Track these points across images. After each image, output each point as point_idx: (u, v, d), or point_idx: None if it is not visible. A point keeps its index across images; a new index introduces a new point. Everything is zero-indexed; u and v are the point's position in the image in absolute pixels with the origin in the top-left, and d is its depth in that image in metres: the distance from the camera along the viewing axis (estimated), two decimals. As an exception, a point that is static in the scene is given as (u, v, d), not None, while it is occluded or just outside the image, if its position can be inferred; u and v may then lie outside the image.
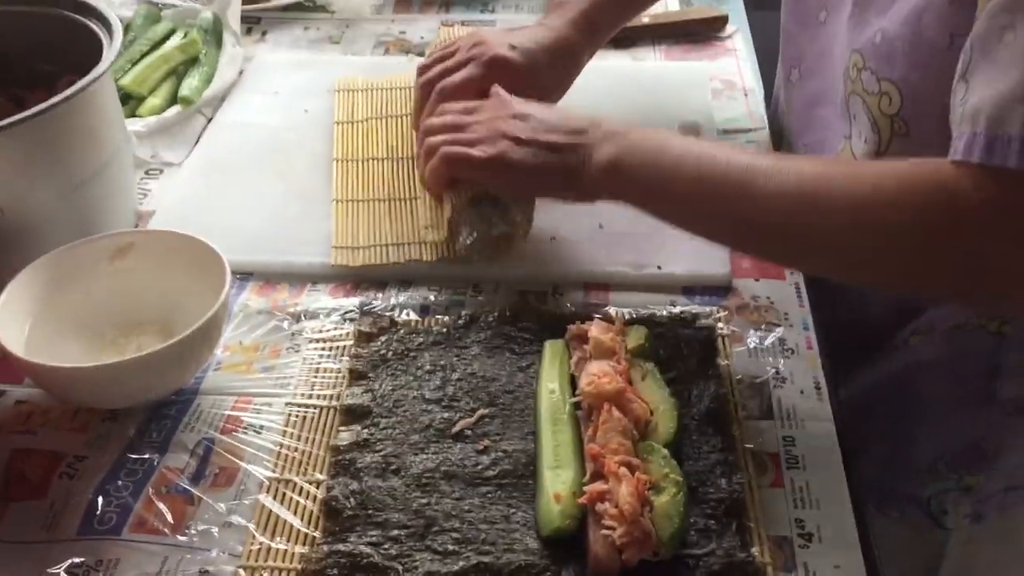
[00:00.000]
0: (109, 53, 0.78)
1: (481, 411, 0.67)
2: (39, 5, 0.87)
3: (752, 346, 0.74)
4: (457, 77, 0.85)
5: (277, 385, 0.71)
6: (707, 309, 0.76)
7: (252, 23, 1.20)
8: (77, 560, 0.59)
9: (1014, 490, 0.82)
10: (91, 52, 0.82)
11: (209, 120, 1.01)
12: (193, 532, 0.61)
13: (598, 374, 0.65)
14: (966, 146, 0.56)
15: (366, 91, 1.01)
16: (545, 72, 0.88)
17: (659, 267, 0.81)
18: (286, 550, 0.60)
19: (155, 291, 0.73)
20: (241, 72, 1.08)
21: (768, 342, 0.74)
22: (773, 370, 0.72)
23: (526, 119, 0.77)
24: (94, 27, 0.82)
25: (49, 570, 0.58)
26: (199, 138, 0.99)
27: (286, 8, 1.23)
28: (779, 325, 0.76)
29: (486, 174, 0.77)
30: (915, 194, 0.59)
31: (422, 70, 0.91)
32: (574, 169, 0.73)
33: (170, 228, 0.77)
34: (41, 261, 0.71)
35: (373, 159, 0.92)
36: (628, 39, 1.15)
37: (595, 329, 0.69)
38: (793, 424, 0.68)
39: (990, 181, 0.56)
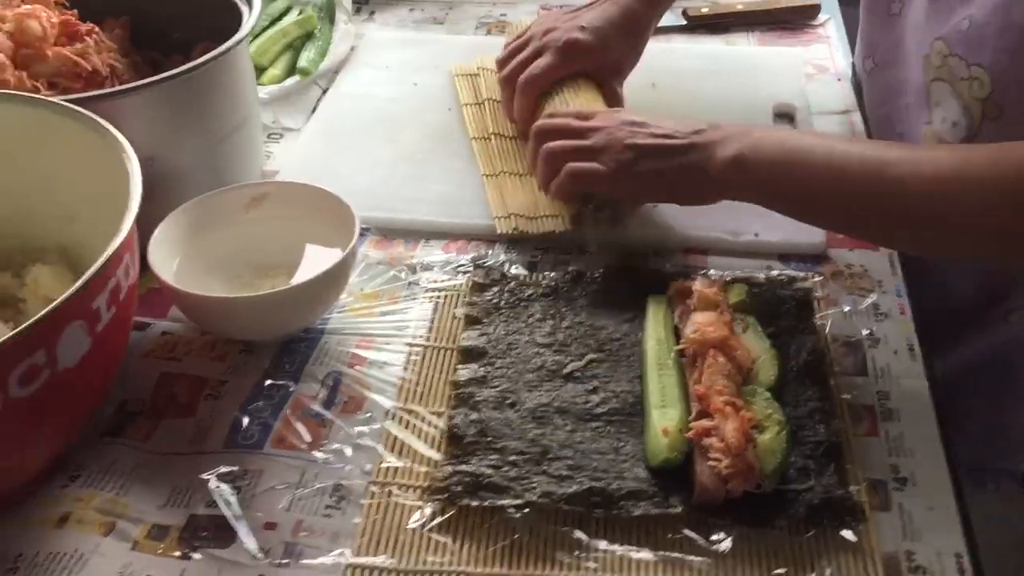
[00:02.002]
0: (249, 20, 0.84)
1: (590, 356, 0.72)
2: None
3: (846, 309, 0.77)
4: (536, 68, 0.90)
5: (396, 328, 0.77)
6: (803, 274, 0.80)
7: (361, 3, 1.26)
8: (225, 469, 0.65)
9: None
10: (225, 21, 0.88)
11: (324, 90, 1.08)
12: (327, 450, 0.66)
13: (703, 323, 0.69)
14: None
15: (483, 73, 1.05)
16: (616, 48, 0.92)
17: (756, 234, 0.84)
18: (412, 469, 0.65)
19: (286, 238, 0.79)
20: (353, 48, 1.14)
21: (862, 306, 0.78)
22: (867, 331, 0.75)
23: (643, 126, 0.78)
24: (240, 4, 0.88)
25: (201, 475, 0.64)
26: (315, 106, 1.05)
27: (391, -11, 1.29)
28: (872, 291, 0.79)
29: (614, 188, 0.79)
30: None
31: (501, 64, 0.95)
32: (698, 169, 0.75)
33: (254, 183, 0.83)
34: (187, 206, 0.77)
35: (502, 136, 0.96)
36: (722, 25, 1.19)
37: (699, 283, 0.73)
38: (887, 381, 0.71)
39: None
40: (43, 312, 0.51)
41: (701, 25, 1.19)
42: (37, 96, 0.70)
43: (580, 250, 0.84)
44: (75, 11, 0.88)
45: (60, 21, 0.86)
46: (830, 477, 0.62)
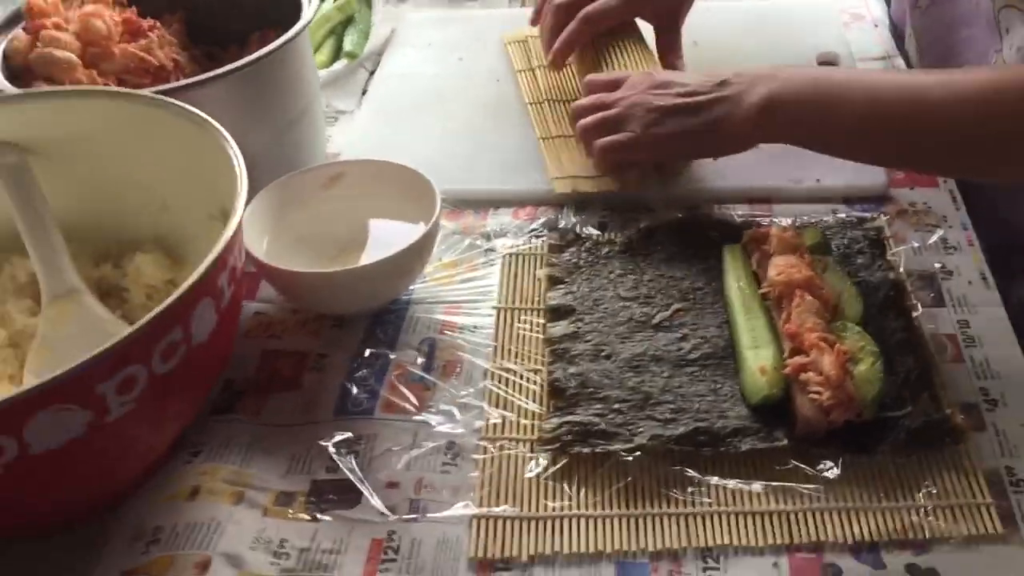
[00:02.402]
0: (310, 6, 0.86)
1: (675, 305, 0.74)
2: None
3: (916, 245, 0.79)
4: (602, 4, 0.92)
5: (480, 293, 0.79)
6: (870, 214, 0.82)
7: (395, -16, 1.28)
8: (340, 436, 0.67)
9: None
10: (278, 10, 0.90)
11: (371, 72, 1.09)
12: (435, 411, 0.69)
13: (786, 265, 0.71)
14: None
15: (531, 41, 1.07)
16: None
17: (818, 180, 0.86)
18: (518, 422, 0.67)
19: (365, 214, 0.81)
20: (393, 29, 1.16)
21: (931, 241, 0.80)
22: (939, 264, 0.77)
23: (668, 86, 0.80)
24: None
25: (320, 442, 0.66)
26: (365, 88, 1.07)
27: (422, -29, 1.31)
28: (939, 227, 0.81)
29: (641, 153, 0.82)
30: None
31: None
32: (724, 121, 0.76)
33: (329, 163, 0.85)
34: (269, 188, 0.79)
35: (556, 100, 0.98)
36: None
37: (775, 229, 0.75)
38: (965, 310, 0.74)
39: None
40: (180, 290, 0.53)
41: (733, -18, 1.20)
42: (132, 91, 0.72)
43: (645, 208, 0.86)
44: (134, 8, 0.90)
45: (122, 19, 0.88)
46: (925, 403, 0.65)
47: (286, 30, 0.90)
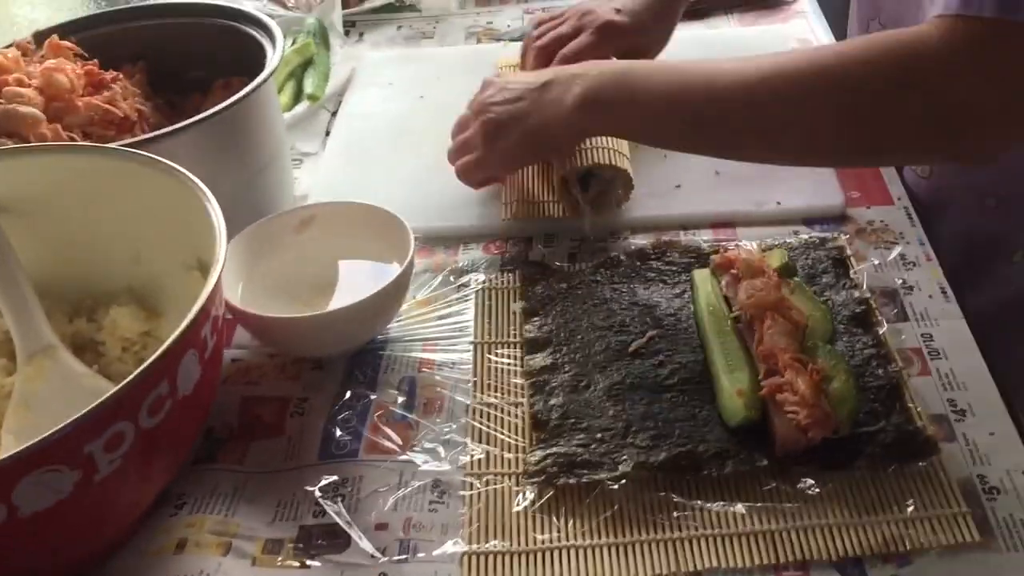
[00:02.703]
0: (274, 56, 0.86)
1: (650, 332, 0.75)
2: (187, 16, 0.96)
3: (876, 262, 0.82)
4: (574, 44, 0.94)
5: (457, 329, 0.80)
6: (831, 234, 0.84)
7: (348, 27, 1.29)
8: (327, 479, 0.67)
9: None
10: (242, 56, 0.91)
11: (333, 113, 1.10)
12: (419, 449, 0.69)
13: (756, 288, 0.73)
14: (945, 2, 0.62)
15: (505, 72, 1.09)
16: (651, 31, 0.97)
17: (778, 203, 0.89)
18: (502, 456, 0.68)
19: (337, 255, 0.82)
20: (353, 69, 1.17)
21: (890, 258, 0.82)
22: (900, 280, 0.80)
23: (495, 97, 0.82)
24: (252, 32, 0.91)
25: (306, 487, 0.67)
26: (328, 130, 1.08)
27: (377, 10, 1.32)
28: (897, 243, 0.84)
29: (492, 169, 0.85)
30: (872, 49, 0.65)
31: (535, 37, 0.99)
32: (551, 123, 0.78)
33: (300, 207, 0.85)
34: (241, 235, 0.79)
35: None
36: (701, 10, 1.24)
37: (743, 253, 0.77)
38: (928, 323, 0.76)
39: (960, 28, 0.61)
40: (166, 344, 0.54)
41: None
42: (102, 146, 0.72)
43: (612, 234, 0.87)
44: (96, 61, 0.90)
45: (84, 72, 0.88)
46: (897, 416, 0.67)
47: (250, 77, 0.91)
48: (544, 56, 0.96)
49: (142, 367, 0.52)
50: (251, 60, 0.90)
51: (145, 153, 0.70)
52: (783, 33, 1.16)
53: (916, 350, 0.74)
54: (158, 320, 0.74)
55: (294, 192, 0.97)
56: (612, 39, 0.94)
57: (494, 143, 0.82)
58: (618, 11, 0.96)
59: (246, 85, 0.92)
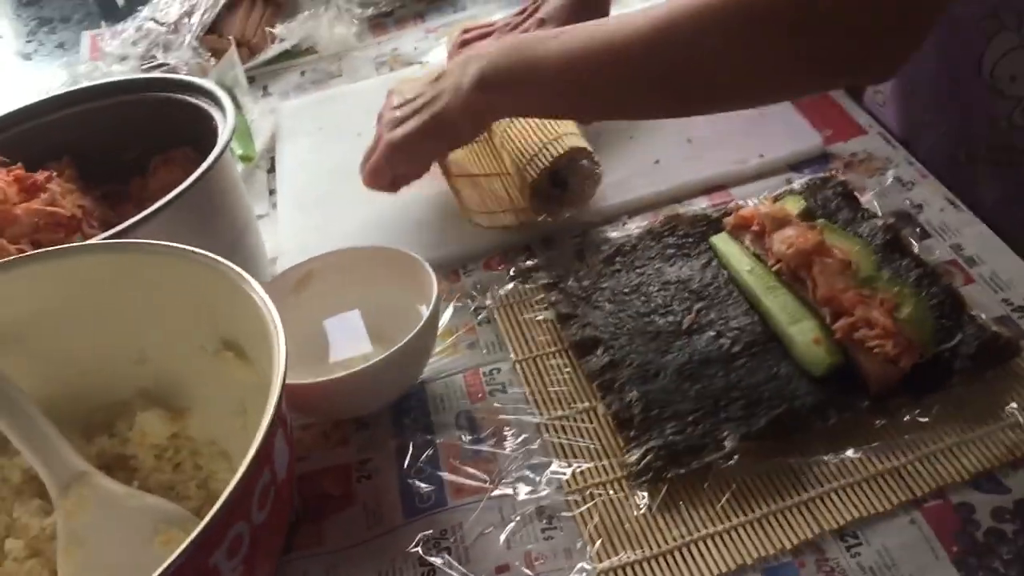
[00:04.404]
0: (226, 127, 0.79)
1: (696, 306, 0.73)
2: (107, 97, 0.89)
3: (877, 190, 0.82)
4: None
5: (491, 352, 0.76)
6: (825, 173, 0.84)
7: (249, 81, 1.23)
8: (424, 535, 0.62)
9: None
10: (178, 127, 0.85)
11: (269, 171, 1.04)
12: (509, 481, 0.65)
13: (790, 237, 0.71)
14: None
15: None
16: None
17: (761, 155, 0.88)
18: (595, 466, 0.64)
19: (349, 305, 0.76)
20: (274, 122, 1.11)
21: (887, 183, 0.83)
22: (907, 201, 0.80)
23: (395, 101, 0.82)
24: (187, 99, 0.84)
25: (406, 549, 0.61)
26: (270, 189, 1.02)
27: (271, 61, 1.26)
28: (888, 168, 0.85)
29: (400, 166, 0.82)
30: None
31: (459, 45, 0.96)
32: (449, 110, 0.76)
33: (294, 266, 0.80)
34: (243, 308, 0.73)
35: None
36: None
37: (762, 208, 0.76)
38: (952, 235, 0.77)
39: None
40: (262, 429, 0.48)
41: None
42: (83, 244, 0.66)
43: (609, 222, 0.85)
44: (20, 164, 0.82)
45: (13, 178, 0.80)
46: (969, 326, 0.67)
47: (192, 147, 0.86)
48: None
49: (248, 458, 0.46)
50: (189, 129, 0.84)
51: (130, 240, 0.64)
52: None
53: (951, 262, 0.74)
54: (183, 418, 0.67)
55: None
56: None
57: (394, 140, 0.79)
58: (543, 21, 0.93)
59: (188, 156, 0.87)
